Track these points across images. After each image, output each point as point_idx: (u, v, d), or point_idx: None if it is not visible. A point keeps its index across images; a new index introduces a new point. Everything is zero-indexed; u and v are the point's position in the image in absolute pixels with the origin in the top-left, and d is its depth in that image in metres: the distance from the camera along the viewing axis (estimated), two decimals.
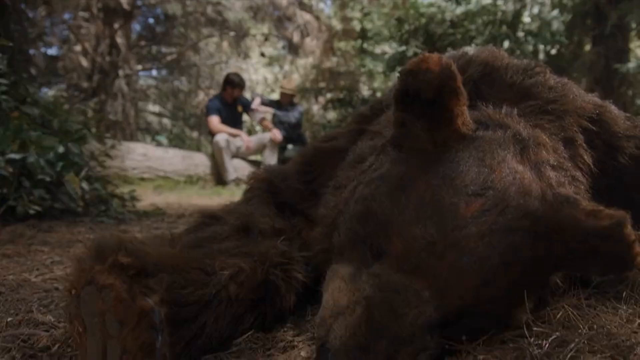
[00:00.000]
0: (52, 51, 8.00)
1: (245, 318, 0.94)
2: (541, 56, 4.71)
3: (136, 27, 9.38)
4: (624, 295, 0.98)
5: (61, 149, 2.23)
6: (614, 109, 1.21)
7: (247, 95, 10.11)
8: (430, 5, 7.00)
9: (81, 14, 7.16)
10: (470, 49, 1.26)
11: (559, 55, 4.85)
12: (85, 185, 2.35)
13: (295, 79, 6.91)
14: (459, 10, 6.00)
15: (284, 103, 6.58)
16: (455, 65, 1.12)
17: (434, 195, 0.79)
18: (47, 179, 2.17)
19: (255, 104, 6.49)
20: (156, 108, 11.60)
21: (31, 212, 2.16)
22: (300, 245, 1.18)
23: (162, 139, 11.98)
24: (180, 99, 11.17)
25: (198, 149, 11.69)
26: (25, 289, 1.29)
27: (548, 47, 4.63)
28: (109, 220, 2.59)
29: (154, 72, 10.15)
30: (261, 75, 11.01)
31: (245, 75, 9.91)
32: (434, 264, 0.76)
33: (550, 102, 1.05)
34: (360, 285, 0.79)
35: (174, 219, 3.11)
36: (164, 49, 9.57)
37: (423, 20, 5.37)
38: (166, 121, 11.79)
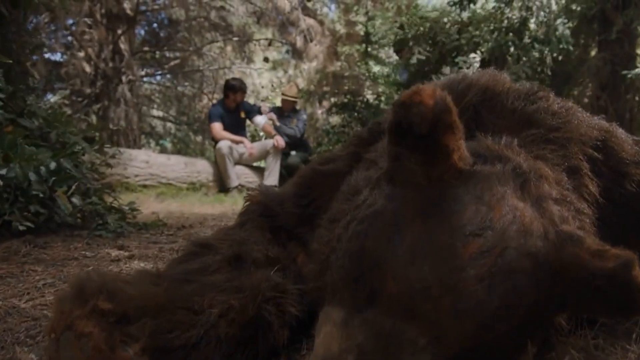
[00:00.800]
0: (56, 57, 8.00)
1: (235, 357, 0.91)
2: (548, 62, 4.64)
3: (140, 32, 9.41)
4: (633, 335, 0.93)
5: (53, 165, 2.20)
6: (620, 133, 1.16)
7: (251, 100, 10.13)
8: (434, 9, 6.97)
9: (85, 19, 7.16)
10: (470, 73, 1.22)
11: (566, 61, 4.79)
12: (76, 200, 2.31)
13: (296, 85, 6.86)
14: (464, 15, 5.96)
15: (286, 109, 6.55)
16: (455, 90, 1.08)
17: (429, 235, 0.75)
18: (41, 195, 2.14)
19: (264, 109, 6.48)
20: (160, 113, 11.60)
21: (21, 228, 2.13)
22: (295, 275, 1.14)
23: (166, 143, 11.99)
24: (184, 103, 11.18)
25: (202, 153, 11.69)
26: (14, 316, 1.25)
27: (554, 54, 4.57)
28: (107, 234, 2.55)
29: (158, 77, 10.15)
30: (265, 79, 10.99)
31: (249, 80, 9.92)
32: (430, 308, 0.72)
33: (553, 129, 1.00)
34: (352, 331, 0.75)
35: (174, 230, 3.08)
36: (168, 54, 9.57)
37: (427, 25, 5.31)
38: (170, 126, 11.80)
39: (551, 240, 0.78)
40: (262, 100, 6.72)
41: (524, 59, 4.55)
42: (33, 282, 1.61)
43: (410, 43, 5.38)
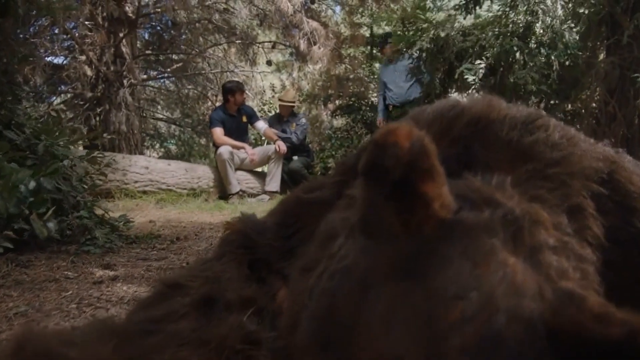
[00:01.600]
0: (60, 59, 7.96)
1: None
2: (555, 67, 4.53)
3: (144, 34, 9.36)
4: None
5: (32, 185, 2.12)
6: (627, 163, 1.06)
7: (255, 103, 10.05)
8: (439, 10, 6.85)
9: (86, 23, 7.11)
10: (464, 98, 1.11)
11: (573, 66, 4.66)
12: (52, 224, 2.23)
13: (293, 90, 6.81)
14: (469, 20, 5.84)
15: (284, 114, 6.48)
16: (444, 119, 0.98)
17: (405, 298, 0.65)
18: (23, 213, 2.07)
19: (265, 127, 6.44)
20: (164, 115, 11.56)
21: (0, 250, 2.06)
22: (271, 318, 1.05)
23: (171, 145, 11.94)
24: (188, 105, 11.11)
25: (206, 156, 11.64)
26: None
27: (562, 59, 4.45)
28: (95, 249, 2.47)
29: (162, 80, 10.09)
30: (269, 82, 10.92)
31: (253, 83, 9.85)
32: None
33: (552, 164, 0.90)
34: None
35: (167, 243, 3.00)
36: (171, 56, 9.51)
37: (431, 29, 5.20)
38: (175, 128, 11.74)
39: (547, 300, 0.68)
40: (262, 117, 6.65)
41: (531, 64, 4.43)
42: (4, 311, 1.53)
43: (416, 46, 5.25)
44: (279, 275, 1.20)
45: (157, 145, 12.11)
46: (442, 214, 0.69)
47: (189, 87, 9.83)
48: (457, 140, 0.92)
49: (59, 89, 7.93)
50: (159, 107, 11.67)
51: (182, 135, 12.25)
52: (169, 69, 9.73)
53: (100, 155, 3.20)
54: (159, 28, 9.14)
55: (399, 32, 6.04)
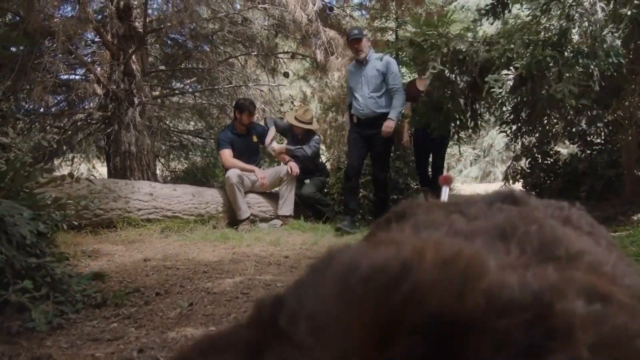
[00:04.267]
0: (74, 76, 7.76)
1: None
2: (595, 77, 3.96)
3: (164, 46, 9.10)
4: None
5: None
6: None
7: (273, 112, 9.65)
8: (456, 20, 6.28)
9: (94, 40, 6.87)
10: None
11: (616, 76, 4.09)
12: None
13: (310, 111, 6.34)
14: (494, 27, 5.30)
15: (298, 133, 6.02)
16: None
17: None
18: None
19: (269, 138, 5.97)
20: (185, 127, 11.32)
21: None
22: None
23: (197, 157, 11.71)
24: (210, 117, 10.83)
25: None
26: None
27: (603, 67, 3.88)
28: (41, 326, 2.09)
29: (181, 93, 9.82)
30: (291, 91, 10.54)
31: (272, 94, 9.47)
32: None
33: None
34: None
35: (141, 305, 2.61)
36: (191, 67, 9.22)
37: (442, 45, 4.68)
38: (196, 140, 11.49)
39: None
40: (274, 122, 6.21)
41: (567, 75, 3.87)
42: None
43: (431, 57, 4.74)
44: None
45: (182, 156, 11.91)
46: None
47: (207, 99, 9.50)
48: None
49: (73, 108, 7.72)
50: (182, 119, 11.45)
51: (206, 147, 12.02)
52: (188, 81, 9.46)
53: (69, 203, 2.82)
54: (174, 41, 8.86)
55: (420, 41, 5.51)
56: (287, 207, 5.74)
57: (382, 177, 5.68)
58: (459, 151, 10.87)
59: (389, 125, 5.38)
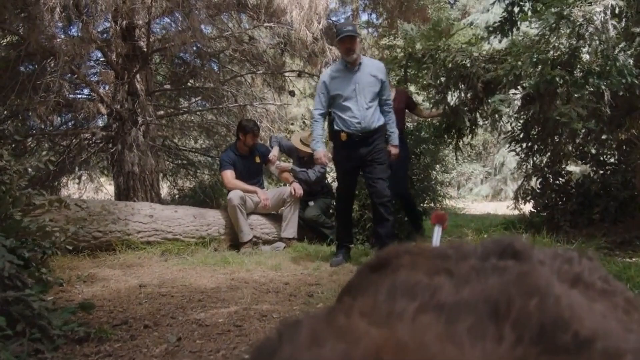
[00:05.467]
0: (80, 95, 7.74)
1: None
2: (606, 99, 3.82)
3: (175, 64, 9.08)
4: None
5: None
6: None
7: (280, 130, 9.57)
8: (463, 40, 6.18)
9: (97, 59, 6.85)
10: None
11: (629, 95, 3.94)
12: None
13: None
14: (503, 44, 5.18)
15: (303, 156, 5.89)
16: None
17: None
18: None
19: (273, 155, 5.85)
20: (192, 145, 11.28)
21: None
22: None
23: (205, 175, 11.64)
24: (218, 135, 10.79)
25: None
26: None
27: (615, 87, 3.73)
28: None
29: (187, 110, 9.79)
30: (299, 111, 10.48)
31: (280, 112, 9.39)
32: None
33: None
34: None
35: (125, 340, 2.48)
36: (197, 86, 9.20)
37: (457, 58, 4.57)
38: (203, 158, 11.45)
39: None
40: (278, 142, 6.08)
41: (576, 95, 3.73)
42: None
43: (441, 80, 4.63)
44: None
45: (190, 175, 11.86)
46: None
47: (215, 118, 9.45)
48: None
49: (78, 128, 7.69)
50: (189, 137, 11.42)
51: (214, 165, 11.97)
52: (194, 100, 9.43)
53: (55, 230, 2.71)
54: (180, 59, 8.85)
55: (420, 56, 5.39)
56: (290, 229, 5.61)
57: (388, 193, 4.59)
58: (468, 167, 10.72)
59: (395, 154, 4.67)
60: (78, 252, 4.80)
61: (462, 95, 4.46)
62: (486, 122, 5.46)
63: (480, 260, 0.62)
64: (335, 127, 4.54)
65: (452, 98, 4.91)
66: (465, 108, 4.82)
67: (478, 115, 5.00)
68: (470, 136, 5.23)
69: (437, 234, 1.54)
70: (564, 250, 0.67)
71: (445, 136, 5.62)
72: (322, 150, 4.61)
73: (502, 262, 0.60)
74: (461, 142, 5.86)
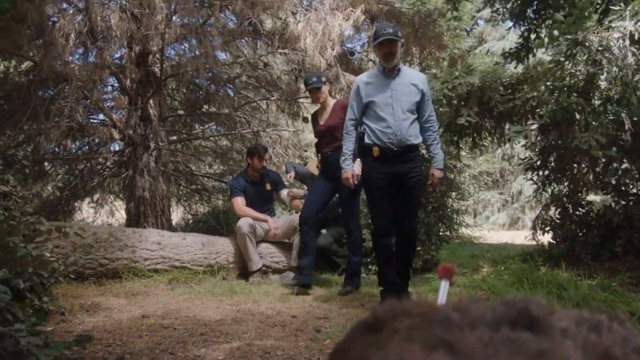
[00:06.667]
0: (95, 120, 7.79)
1: None
2: (627, 127, 3.67)
3: (183, 90, 9.13)
4: None
5: None
6: None
7: (294, 157, 9.50)
8: (485, 66, 6.09)
9: (111, 85, 6.88)
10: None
11: None
12: None
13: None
14: (518, 70, 5.08)
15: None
16: None
17: None
18: None
19: (290, 176, 5.78)
20: (206, 170, 11.28)
21: None
22: None
23: (219, 200, 11.62)
24: (231, 161, 10.77)
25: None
26: None
27: (637, 116, 3.59)
28: None
29: (200, 136, 9.80)
30: (312, 138, 10.41)
31: (293, 138, 9.35)
32: None
33: None
34: None
35: None
36: (210, 111, 9.22)
37: (476, 83, 4.47)
38: (217, 184, 11.43)
39: None
40: (294, 167, 6.00)
41: (594, 123, 3.59)
42: None
43: (456, 102, 4.53)
44: None
45: (204, 200, 11.84)
46: None
47: (230, 143, 9.44)
48: None
49: (90, 152, 7.72)
50: (204, 163, 11.43)
51: (228, 191, 11.94)
52: (208, 125, 9.44)
53: (52, 259, 2.64)
54: (195, 85, 8.89)
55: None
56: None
57: (414, 226, 4.21)
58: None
59: (439, 178, 4.06)
60: (84, 279, 4.74)
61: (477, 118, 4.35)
62: (503, 146, 5.34)
63: (490, 329, 0.50)
64: (367, 141, 3.93)
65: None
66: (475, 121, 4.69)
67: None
68: (472, 138, 5.06)
69: (443, 290, 1.39)
70: (590, 313, 0.55)
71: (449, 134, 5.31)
72: (350, 170, 3.97)
73: (517, 333, 0.48)
74: (462, 142, 5.60)
